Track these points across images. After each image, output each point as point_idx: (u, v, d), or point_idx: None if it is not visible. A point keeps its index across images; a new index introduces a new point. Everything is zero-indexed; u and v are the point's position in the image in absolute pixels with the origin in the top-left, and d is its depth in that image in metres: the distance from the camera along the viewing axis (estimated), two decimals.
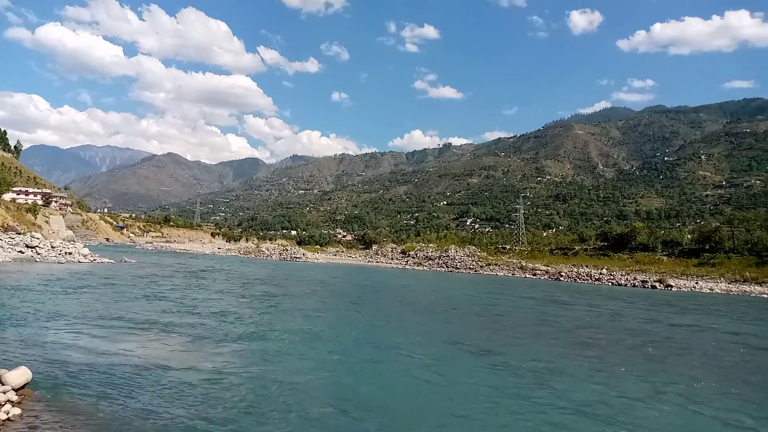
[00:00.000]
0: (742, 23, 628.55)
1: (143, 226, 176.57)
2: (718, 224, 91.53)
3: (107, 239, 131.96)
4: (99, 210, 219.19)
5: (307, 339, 16.70)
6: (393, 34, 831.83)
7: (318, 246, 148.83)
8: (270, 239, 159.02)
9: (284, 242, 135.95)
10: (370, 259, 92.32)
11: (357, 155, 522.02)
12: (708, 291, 50.88)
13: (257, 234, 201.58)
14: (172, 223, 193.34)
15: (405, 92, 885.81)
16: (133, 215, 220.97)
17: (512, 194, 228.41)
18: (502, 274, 70.37)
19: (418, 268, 77.97)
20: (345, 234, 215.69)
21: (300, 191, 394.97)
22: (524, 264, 76.70)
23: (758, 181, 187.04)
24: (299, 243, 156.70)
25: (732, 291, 50.82)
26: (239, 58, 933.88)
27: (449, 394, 11.60)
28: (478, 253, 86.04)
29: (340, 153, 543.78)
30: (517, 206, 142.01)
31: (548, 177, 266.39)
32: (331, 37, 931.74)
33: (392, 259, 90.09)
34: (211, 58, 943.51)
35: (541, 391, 12.03)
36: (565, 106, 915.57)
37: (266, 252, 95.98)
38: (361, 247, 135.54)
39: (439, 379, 12.71)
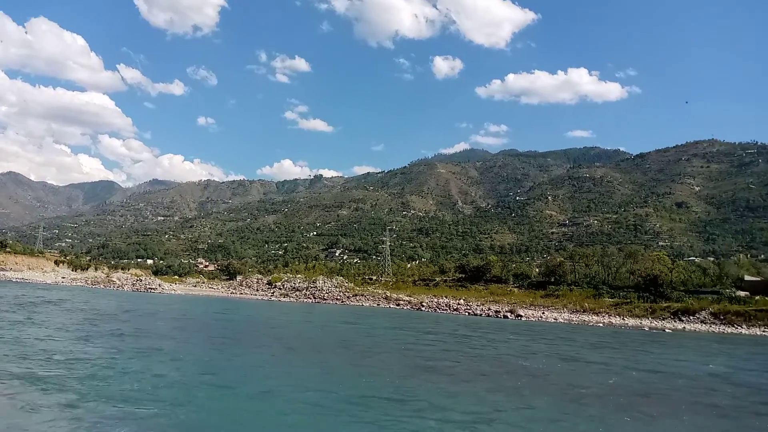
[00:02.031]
0: (582, 80, 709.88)
1: None
2: (562, 259, 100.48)
3: None
4: None
5: (178, 394, 14.53)
6: (264, 63, 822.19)
7: (177, 276, 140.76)
8: (123, 268, 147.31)
9: (138, 272, 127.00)
10: (234, 291, 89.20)
11: (223, 182, 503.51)
12: (553, 321, 55.59)
13: (108, 263, 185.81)
14: (8, 249, 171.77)
15: (275, 121, 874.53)
16: None
17: (379, 227, 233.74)
18: (368, 304, 71.45)
19: (284, 299, 76.70)
20: (207, 264, 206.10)
21: (159, 217, 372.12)
22: (389, 294, 78.65)
23: (596, 221, 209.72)
24: (156, 273, 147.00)
25: (573, 321, 55.99)
26: (96, 75, 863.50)
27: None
28: (346, 284, 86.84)
29: (205, 179, 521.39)
30: (384, 238, 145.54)
31: (413, 211, 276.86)
32: (199, 61, 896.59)
33: (258, 290, 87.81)
34: (64, 72, 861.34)
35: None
36: (429, 145, 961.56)
37: (117, 282, 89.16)
38: (225, 277, 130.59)
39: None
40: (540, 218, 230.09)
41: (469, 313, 61.30)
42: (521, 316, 57.95)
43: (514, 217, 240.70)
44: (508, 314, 58.68)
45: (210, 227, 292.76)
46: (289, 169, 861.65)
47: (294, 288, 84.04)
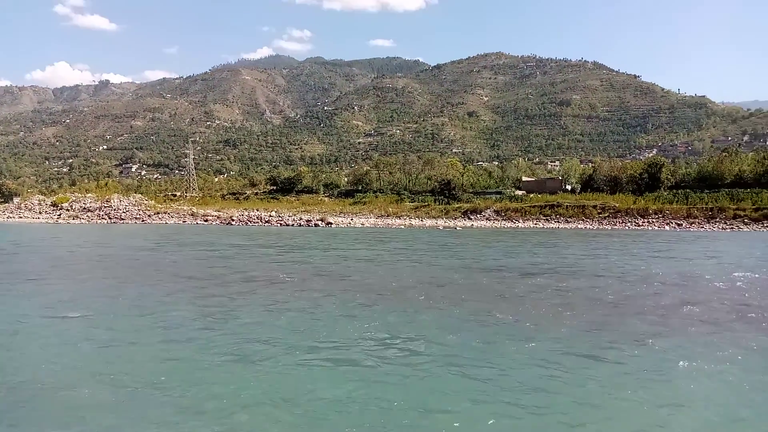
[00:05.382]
0: None
1: None
2: (368, 168, 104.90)
3: None
4: None
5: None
6: None
7: None
8: None
9: None
10: (11, 215, 78.20)
11: None
12: (360, 226, 58.39)
13: None
14: None
15: (43, 17, 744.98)
16: None
17: (181, 138, 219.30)
18: (172, 222, 67.91)
19: (74, 221, 69.29)
20: None
21: None
22: (195, 211, 75.54)
23: (398, 131, 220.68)
24: None
25: (379, 224, 59.43)
26: None
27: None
28: (146, 202, 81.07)
29: None
30: (187, 151, 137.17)
31: (218, 122, 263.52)
32: None
33: (41, 212, 77.98)
34: None
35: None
36: (230, 50, 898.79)
37: None
38: None
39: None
40: (347, 128, 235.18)
41: (281, 224, 61.48)
42: (331, 223, 59.76)
43: (323, 127, 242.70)
44: (320, 222, 60.10)
45: None
46: (66, 74, 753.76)
47: (85, 208, 76.05)
